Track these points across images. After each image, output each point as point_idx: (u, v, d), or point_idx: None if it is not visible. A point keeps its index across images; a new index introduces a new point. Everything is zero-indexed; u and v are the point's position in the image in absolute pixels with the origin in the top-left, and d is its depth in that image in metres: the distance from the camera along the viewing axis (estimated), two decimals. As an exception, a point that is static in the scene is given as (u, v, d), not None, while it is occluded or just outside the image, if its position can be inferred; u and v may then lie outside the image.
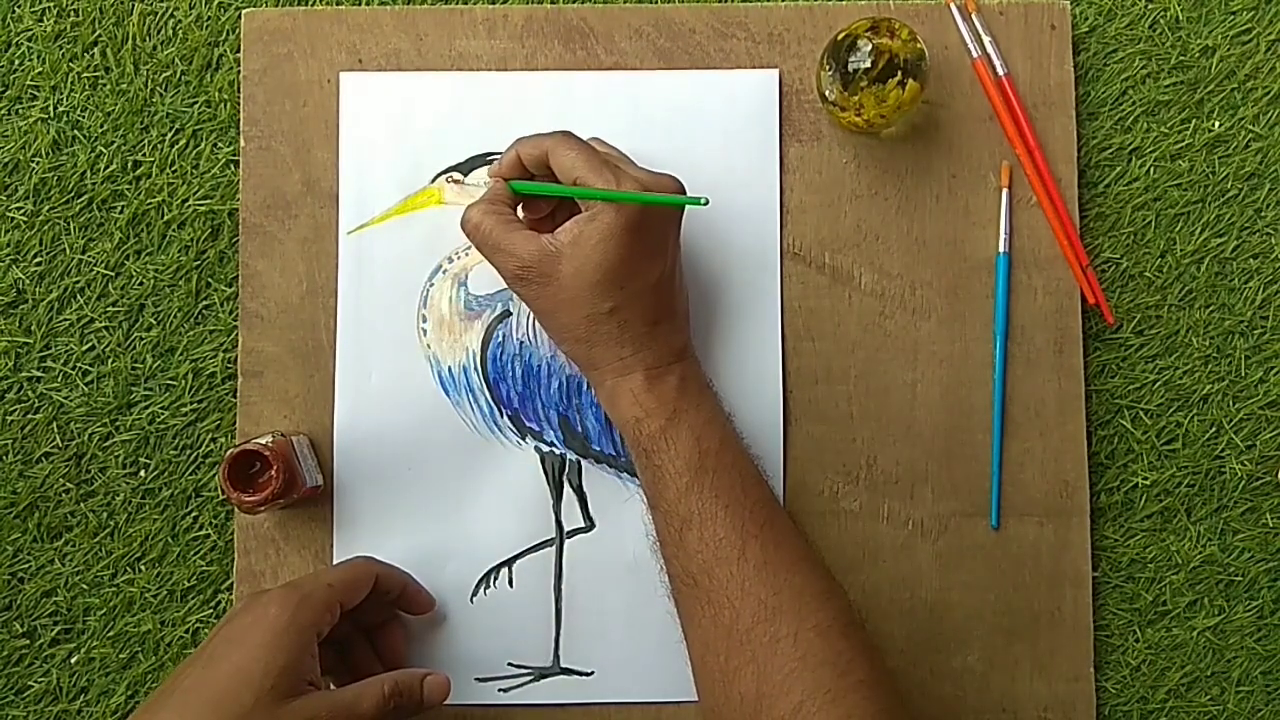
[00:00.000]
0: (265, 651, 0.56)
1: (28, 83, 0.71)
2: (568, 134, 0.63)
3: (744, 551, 0.58)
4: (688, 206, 0.62)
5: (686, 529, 0.59)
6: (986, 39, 0.70)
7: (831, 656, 0.55)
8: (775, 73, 0.70)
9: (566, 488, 0.69)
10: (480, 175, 0.69)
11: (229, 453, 0.62)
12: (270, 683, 0.55)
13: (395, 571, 0.66)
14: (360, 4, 0.71)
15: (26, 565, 0.69)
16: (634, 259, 0.60)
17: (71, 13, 0.71)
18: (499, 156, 0.65)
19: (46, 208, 0.70)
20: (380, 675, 0.60)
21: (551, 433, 0.69)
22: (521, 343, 0.69)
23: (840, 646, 0.56)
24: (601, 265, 0.59)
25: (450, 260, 0.69)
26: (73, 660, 0.69)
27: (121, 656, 0.69)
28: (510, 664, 0.68)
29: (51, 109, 0.71)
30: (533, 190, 0.64)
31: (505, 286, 0.69)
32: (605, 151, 0.64)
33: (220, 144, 0.71)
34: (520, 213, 0.65)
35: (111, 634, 0.69)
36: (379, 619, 0.66)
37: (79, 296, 0.70)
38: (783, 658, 0.55)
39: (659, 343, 0.62)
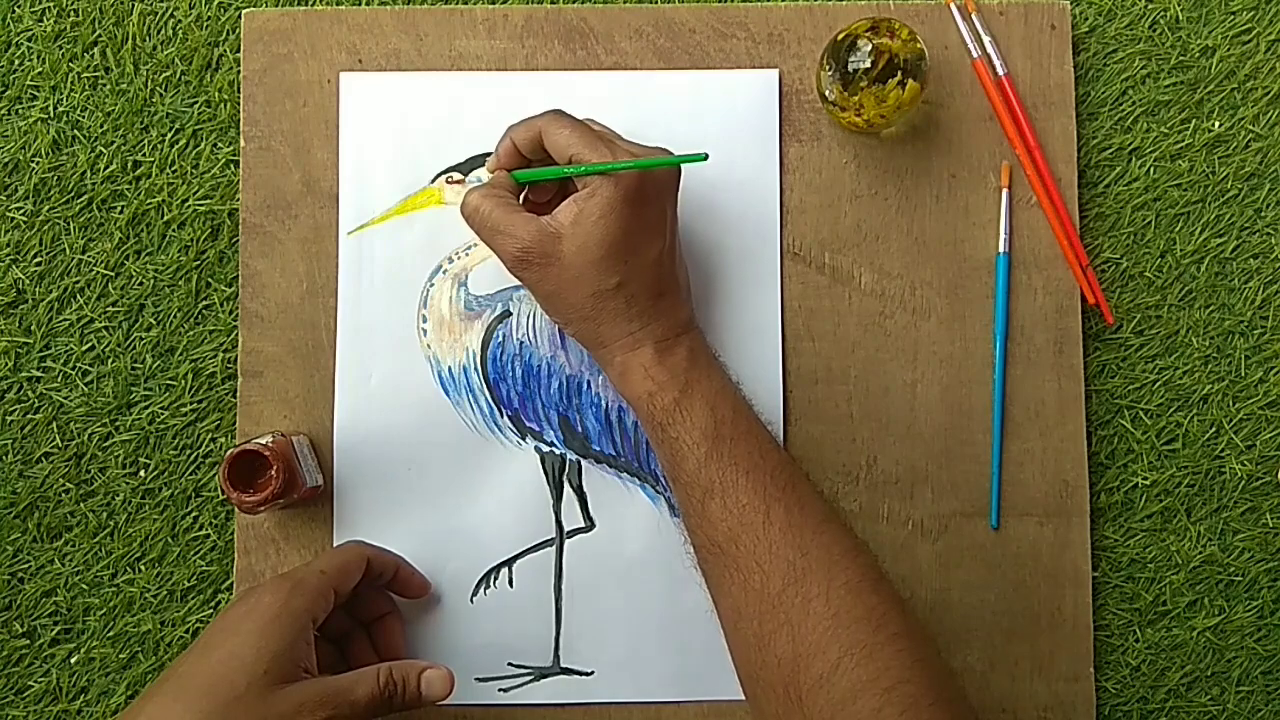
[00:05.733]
0: (258, 638, 0.56)
1: (28, 83, 0.71)
2: (559, 112, 0.63)
3: (768, 515, 0.58)
4: (682, 180, 0.62)
5: (709, 498, 0.59)
6: (986, 39, 0.70)
7: (864, 612, 0.56)
8: (775, 73, 0.70)
9: (566, 488, 0.69)
10: (481, 175, 0.69)
11: (229, 453, 0.62)
12: (264, 668, 0.55)
13: (386, 554, 0.66)
14: (360, 4, 0.71)
15: (26, 565, 0.69)
16: (636, 232, 0.60)
17: (71, 13, 0.71)
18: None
19: (46, 208, 0.70)
20: (377, 664, 0.60)
21: (551, 433, 0.69)
22: (521, 343, 0.69)
23: (872, 601, 0.56)
24: (604, 240, 0.59)
25: (450, 260, 0.69)
26: (73, 660, 0.69)
27: (121, 656, 0.69)
28: (510, 664, 0.68)
29: (51, 109, 0.71)
30: (534, 176, 0.64)
31: (505, 287, 0.69)
32: (598, 129, 0.64)
33: (220, 144, 0.71)
34: (523, 200, 0.65)
35: (111, 634, 0.69)
36: (376, 612, 0.66)
37: (79, 296, 0.70)
38: (816, 617, 0.55)
39: (666, 315, 0.62)
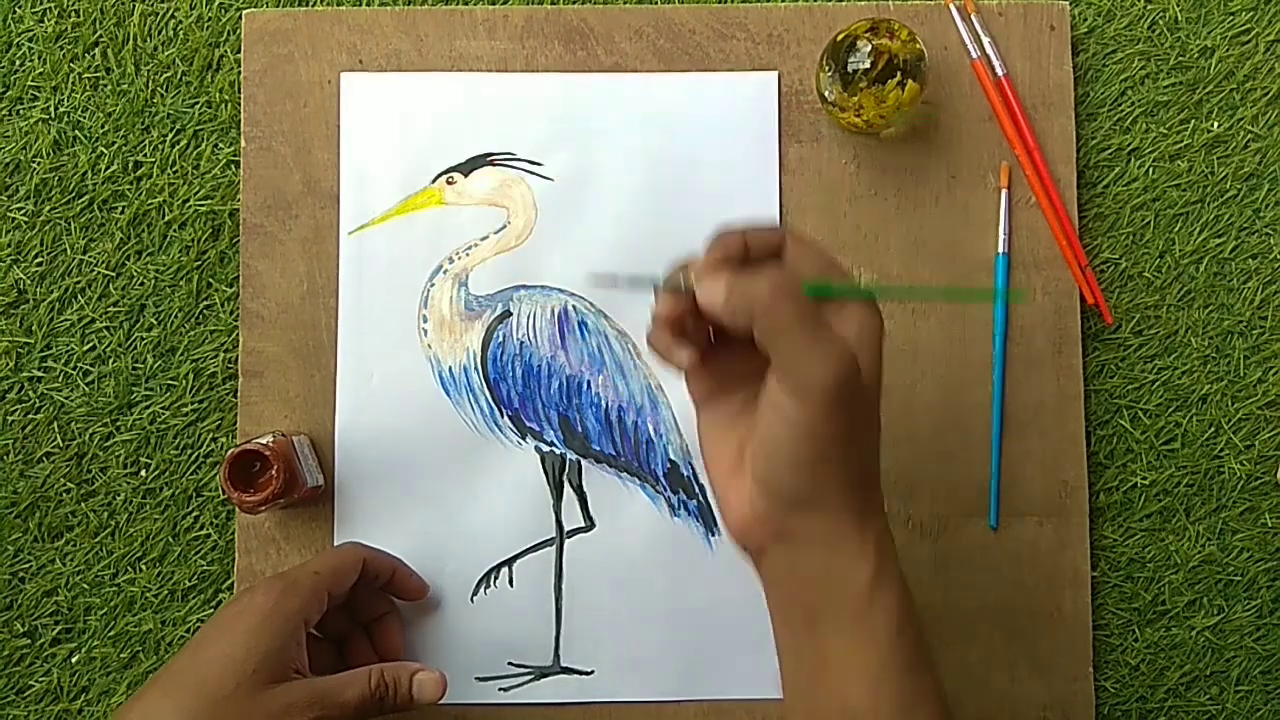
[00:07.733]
0: (249, 637, 0.57)
1: (29, 83, 0.71)
2: (801, 236, 0.50)
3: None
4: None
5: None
6: (986, 39, 0.71)
7: None
8: (775, 74, 0.70)
9: (566, 488, 0.69)
10: (481, 175, 0.69)
11: (230, 453, 0.62)
12: (253, 667, 0.56)
13: (383, 556, 0.66)
14: (360, 5, 0.72)
15: (27, 565, 0.69)
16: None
17: (72, 13, 0.71)
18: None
19: (47, 208, 0.70)
20: (369, 666, 0.60)
21: (551, 433, 0.69)
22: (522, 343, 0.69)
23: None
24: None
25: (451, 260, 0.69)
26: (74, 660, 0.69)
27: (122, 656, 0.69)
28: (510, 663, 0.68)
29: (52, 109, 0.71)
30: (834, 293, 0.49)
31: (505, 287, 0.69)
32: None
33: (221, 144, 0.71)
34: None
35: (112, 633, 0.69)
36: (375, 613, 0.66)
37: (80, 297, 0.70)
38: None
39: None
